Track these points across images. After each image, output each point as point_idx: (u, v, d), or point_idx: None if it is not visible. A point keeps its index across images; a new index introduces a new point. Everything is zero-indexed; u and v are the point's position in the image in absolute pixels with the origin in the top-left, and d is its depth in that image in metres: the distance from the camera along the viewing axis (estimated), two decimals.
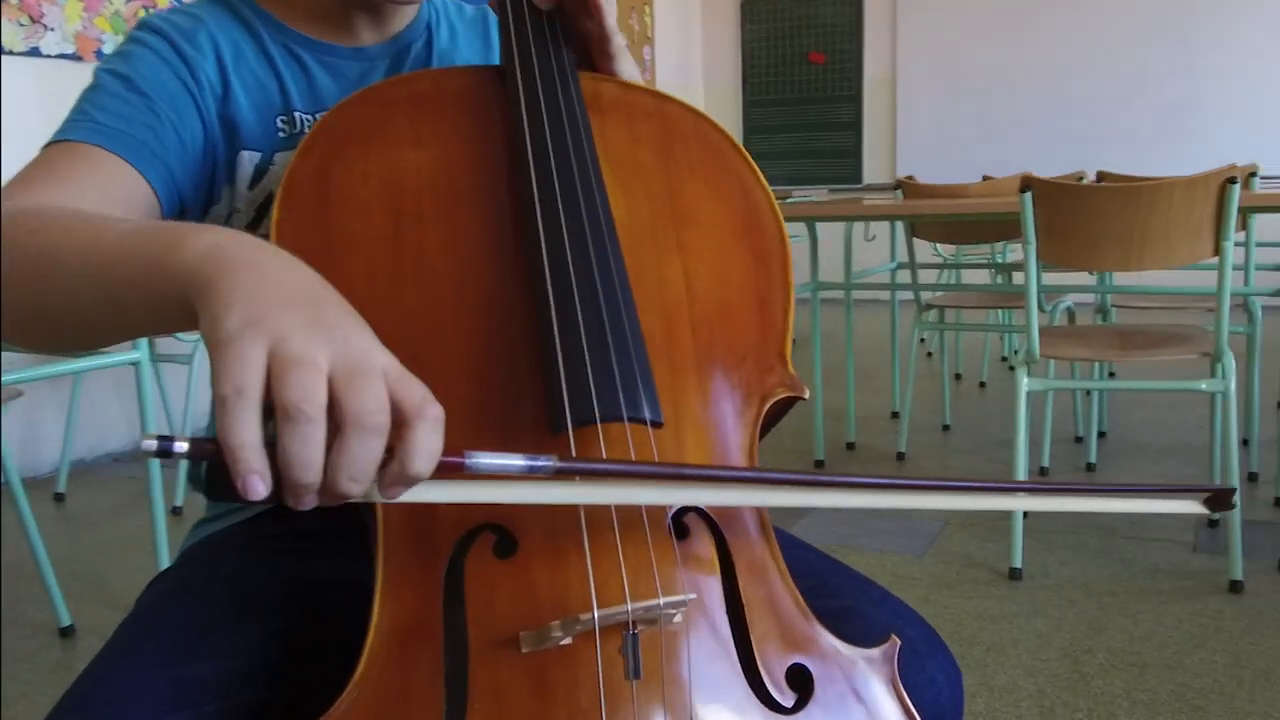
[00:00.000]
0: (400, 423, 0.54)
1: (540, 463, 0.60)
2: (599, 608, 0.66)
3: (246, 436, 0.51)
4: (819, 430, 3.51)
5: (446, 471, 0.56)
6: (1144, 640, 2.16)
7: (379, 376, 0.54)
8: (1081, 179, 4.04)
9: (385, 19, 1.01)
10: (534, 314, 0.75)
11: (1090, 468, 3.32)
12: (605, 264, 0.79)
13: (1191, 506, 0.79)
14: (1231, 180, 2.20)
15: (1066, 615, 2.29)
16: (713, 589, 0.73)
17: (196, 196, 0.92)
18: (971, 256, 4.44)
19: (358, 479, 0.53)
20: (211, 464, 0.52)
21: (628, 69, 0.97)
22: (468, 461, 0.57)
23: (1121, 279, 3.46)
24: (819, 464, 3.43)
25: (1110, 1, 6.46)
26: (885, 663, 0.75)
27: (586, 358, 0.73)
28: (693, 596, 0.69)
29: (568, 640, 0.67)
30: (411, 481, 0.55)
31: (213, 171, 0.93)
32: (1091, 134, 6.61)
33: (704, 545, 0.74)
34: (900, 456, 3.54)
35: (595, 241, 0.80)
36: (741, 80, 7.78)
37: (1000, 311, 4.29)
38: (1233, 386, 2.39)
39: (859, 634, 0.75)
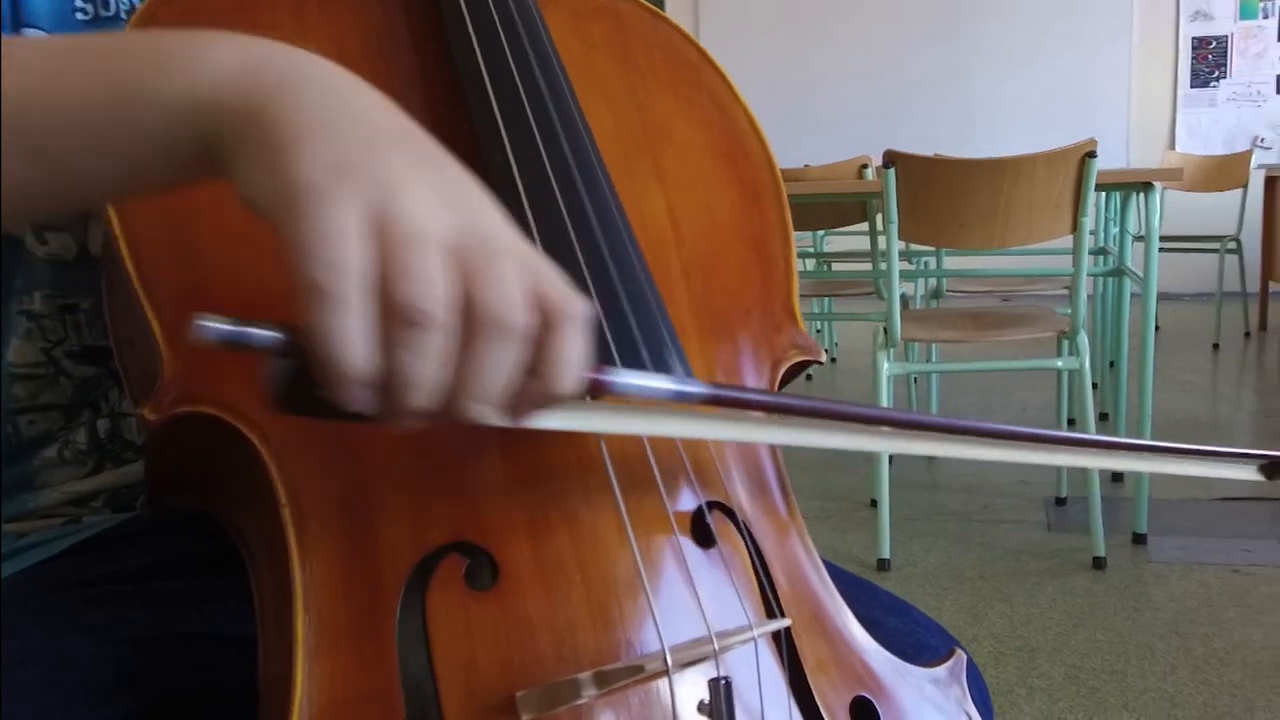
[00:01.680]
0: (545, 324, 0.41)
1: (691, 388, 0.47)
2: (668, 641, 0.47)
3: (357, 341, 0.37)
4: None
5: (591, 390, 0.44)
6: (1025, 624, 2.10)
7: (518, 259, 0.40)
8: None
9: None
10: None
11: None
12: (600, 197, 0.60)
13: (1248, 473, 0.68)
14: (1090, 154, 2.17)
15: (944, 603, 2.22)
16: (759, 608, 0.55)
17: None
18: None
19: (489, 397, 0.40)
20: (298, 368, 0.39)
21: None
22: (614, 380, 0.45)
23: (950, 263, 3.47)
24: None
25: (894, 2, 6.64)
26: (954, 682, 0.60)
27: (605, 327, 0.53)
28: (788, 623, 0.51)
29: (588, 698, 0.48)
30: (554, 401, 0.43)
31: None
32: (881, 126, 6.76)
33: (736, 550, 0.56)
34: None
35: (582, 167, 0.60)
36: None
37: (822, 300, 4.26)
38: (1088, 364, 2.38)
39: (887, 648, 0.60)
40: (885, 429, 0.54)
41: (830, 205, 3.25)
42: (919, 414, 0.55)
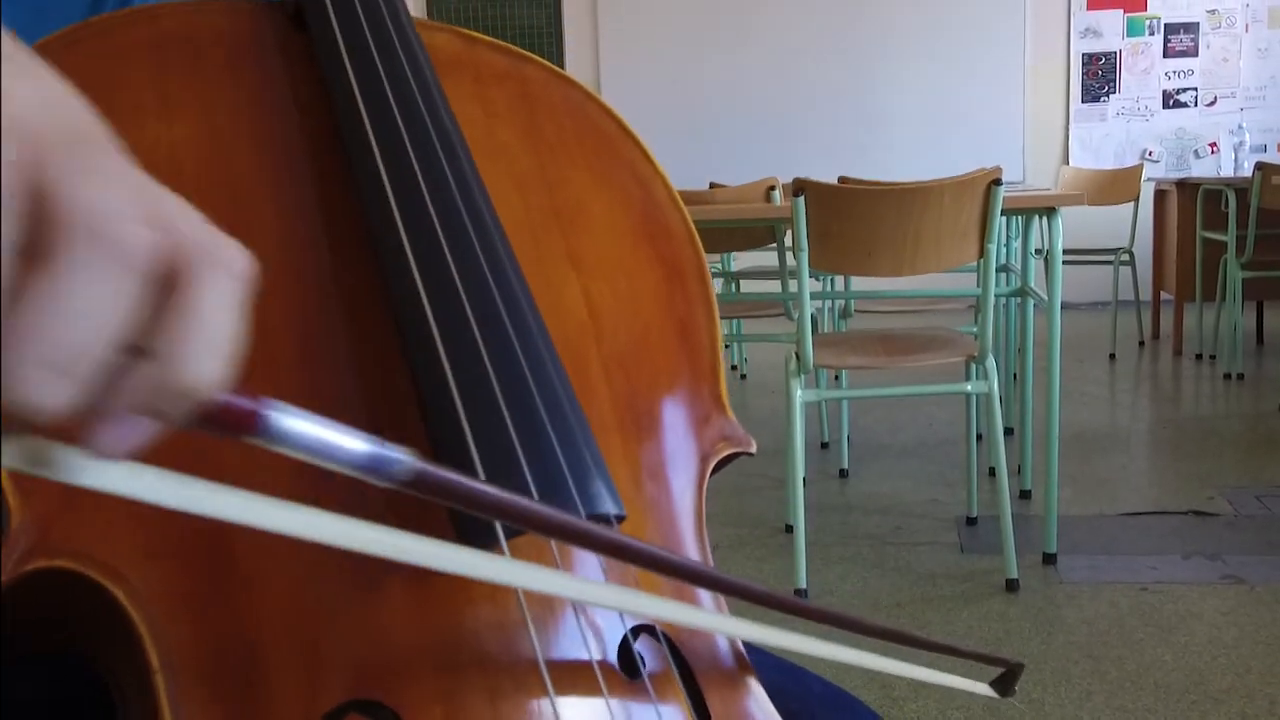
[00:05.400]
0: (172, 275, 0.28)
1: (394, 455, 0.34)
2: None
3: None
4: None
5: (227, 421, 0.30)
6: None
7: (134, 180, 0.28)
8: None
9: None
10: (404, 370, 0.50)
11: (844, 474, 3.31)
12: (505, 282, 0.54)
13: (980, 688, 0.72)
14: (996, 182, 2.19)
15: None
16: None
17: None
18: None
19: (65, 369, 0.26)
20: None
21: None
22: (267, 414, 0.30)
23: (857, 284, 3.48)
24: None
25: (800, 12, 6.68)
26: None
27: (511, 432, 0.48)
28: None
29: None
30: (172, 404, 0.28)
31: None
32: (784, 143, 6.81)
33: (670, 688, 0.52)
34: None
35: (486, 249, 0.55)
36: None
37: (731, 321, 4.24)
38: (996, 387, 2.40)
39: None
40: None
41: (740, 228, 3.23)
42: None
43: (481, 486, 0.39)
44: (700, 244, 0.68)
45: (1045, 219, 2.50)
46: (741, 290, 4.57)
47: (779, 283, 3.43)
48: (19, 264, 0.25)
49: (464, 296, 0.50)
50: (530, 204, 0.62)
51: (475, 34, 0.69)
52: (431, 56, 0.64)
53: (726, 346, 4.67)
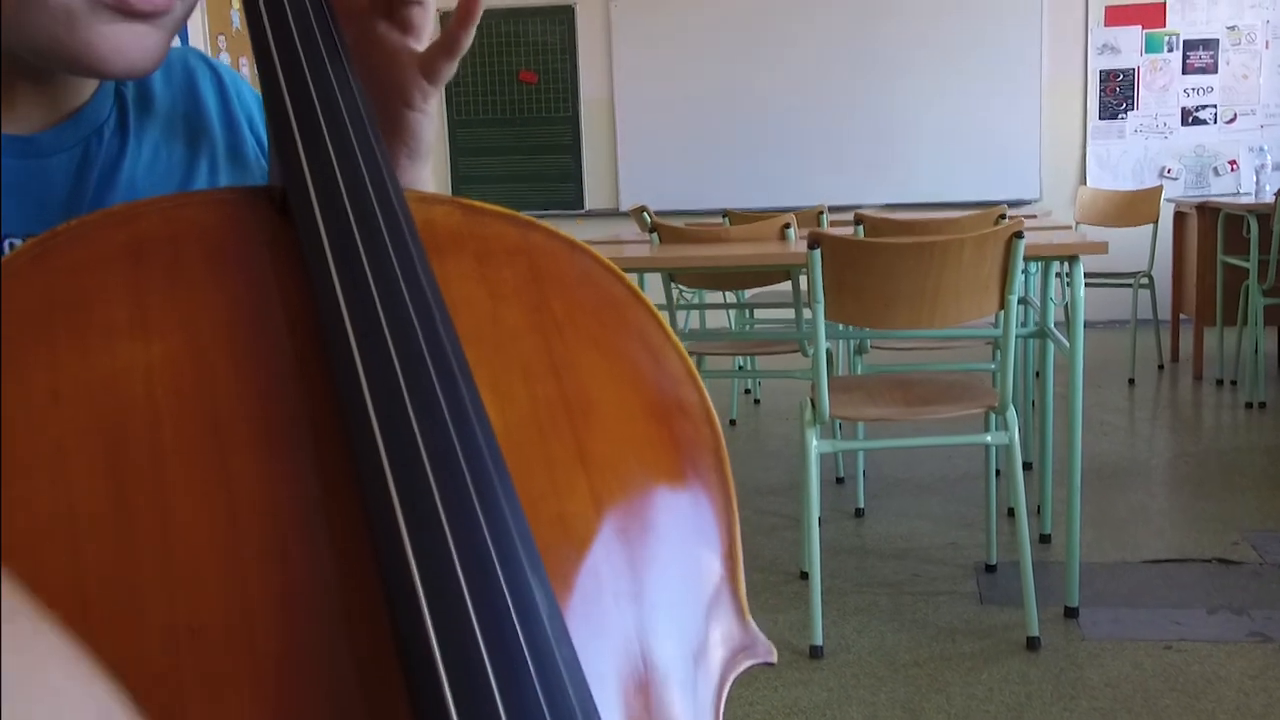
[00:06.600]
0: None
1: None
2: None
3: None
4: None
5: None
6: (964, 719, 2.05)
7: None
8: (823, 214, 4.03)
9: (61, 89, 0.65)
10: (386, 628, 0.46)
11: (859, 513, 3.26)
12: (501, 525, 0.50)
13: None
14: (1018, 234, 2.14)
15: (878, 697, 2.16)
16: None
17: None
18: (717, 295, 4.34)
19: None
20: None
21: (425, 173, 0.70)
22: None
23: None
24: None
25: (815, 31, 6.63)
26: None
27: (498, 702, 0.44)
28: None
29: None
30: None
31: None
32: (800, 161, 6.75)
33: None
34: None
35: (480, 487, 0.50)
36: (446, 99, 7.43)
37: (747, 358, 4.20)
38: (1016, 438, 2.34)
39: None
40: None
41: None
42: None
43: None
44: (717, 420, 0.64)
45: (1066, 263, 2.45)
46: (755, 318, 4.53)
47: (792, 309, 3.40)
48: None
49: (459, 570, 0.46)
50: (537, 396, 0.58)
51: (478, 203, 0.64)
52: (431, 233, 0.60)
53: (740, 368, 4.64)
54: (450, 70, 0.64)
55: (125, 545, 0.45)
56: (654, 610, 0.55)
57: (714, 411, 0.64)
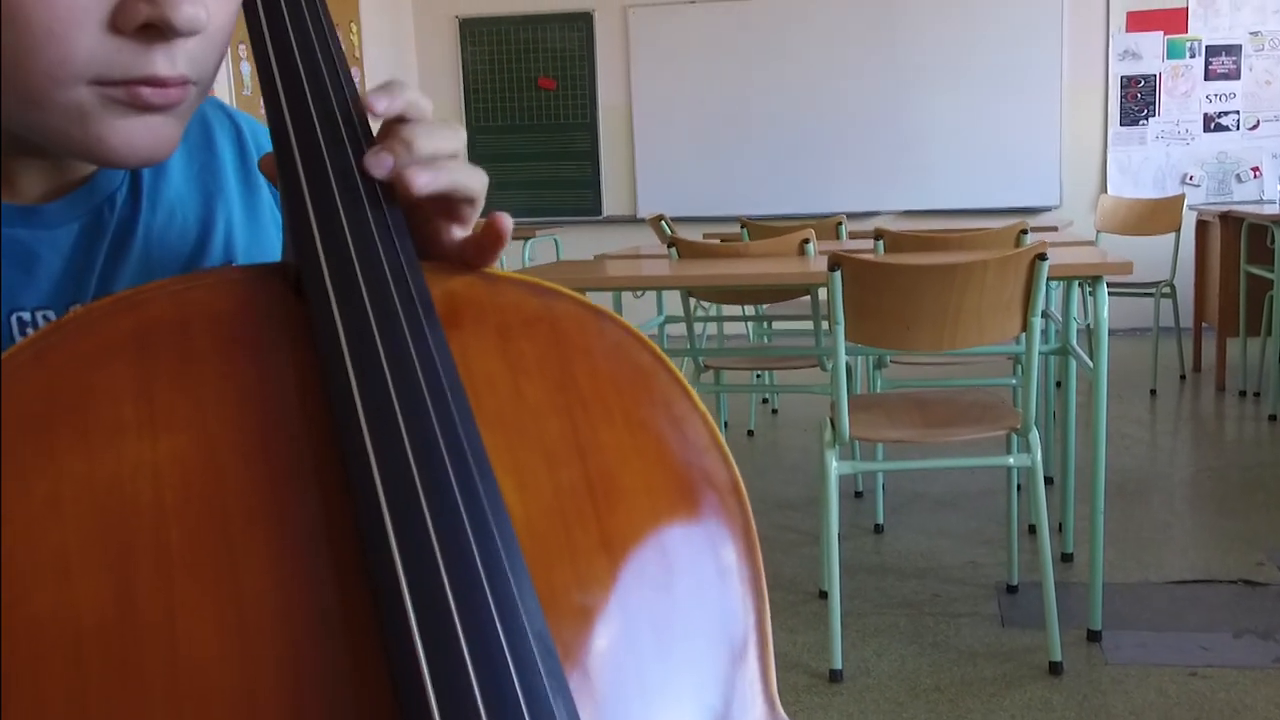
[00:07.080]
0: None
1: None
2: None
3: None
4: None
5: None
6: None
7: None
8: (841, 224, 4.01)
9: (71, 161, 0.64)
10: None
11: (879, 529, 3.23)
12: (518, 634, 0.48)
13: None
14: (1041, 256, 2.11)
15: None
16: None
17: None
18: (734, 306, 4.31)
19: None
20: None
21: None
22: None
23: None
24: None
25: (833, 37, 6.60)
26: None
27: None
28: None
29: None
30: None
31: None
32: (819, 167, 6.72)
33: None
34: None
35: (498, 592, 0.49)
36: (464, 105, 7.41)
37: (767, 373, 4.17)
38: (1039, 460, 2.32)
39: None
40: None
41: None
42: None
43: None
44: (744, 492, 0.62)
45: (1089, 285, 2.42)
46: (773, 329, 4.50)
47: (810, 321, 3.38)
48: None
49: (477, 689, 0.44)
50: (560, 480, 0.56)
51: (500, 273, 0.63)
52: (450, 305, 0.59)
53: (758, 375, 4.61)
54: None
55: (131, 659, 0.44)
56: (679, 704, 0.54)
57: (741, 483, 0.62)
